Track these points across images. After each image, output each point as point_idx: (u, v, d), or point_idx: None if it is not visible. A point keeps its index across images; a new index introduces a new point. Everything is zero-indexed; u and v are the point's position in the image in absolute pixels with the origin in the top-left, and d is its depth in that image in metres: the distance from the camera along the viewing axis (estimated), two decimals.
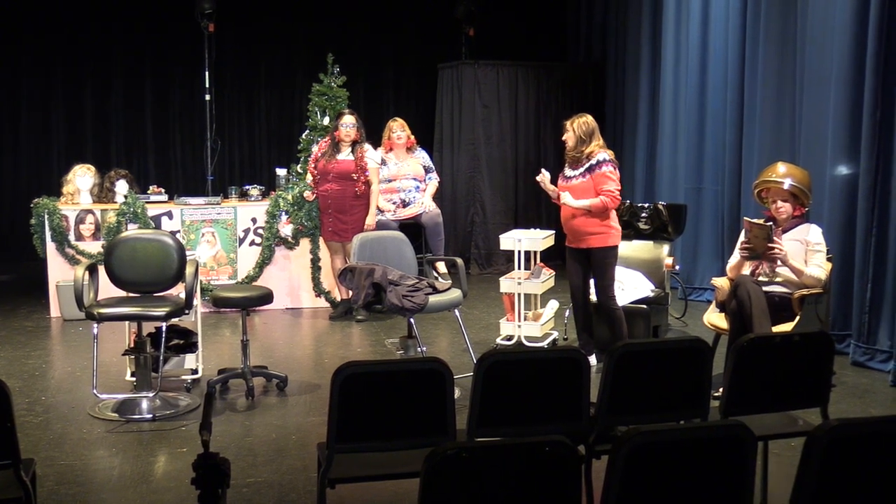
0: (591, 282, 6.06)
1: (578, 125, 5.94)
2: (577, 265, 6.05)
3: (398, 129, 8.17)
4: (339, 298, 7.96)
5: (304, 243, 8.11)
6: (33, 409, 5.32)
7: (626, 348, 3.40)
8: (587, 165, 5.88)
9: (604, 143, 5.99)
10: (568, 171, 6.02)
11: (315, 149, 7.99)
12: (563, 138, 5.99)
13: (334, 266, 7.86)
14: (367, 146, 7.79)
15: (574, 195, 5.90)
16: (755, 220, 5.42)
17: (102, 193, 8.01)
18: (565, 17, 11.65)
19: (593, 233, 5.90)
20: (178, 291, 5.58)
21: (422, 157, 8.37)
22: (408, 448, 3.21)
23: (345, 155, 7.65)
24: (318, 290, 8.15)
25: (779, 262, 5.33)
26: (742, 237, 5.50)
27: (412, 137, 8.26)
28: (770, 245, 5.25)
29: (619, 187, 5.92)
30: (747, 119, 7.67)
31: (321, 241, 8.02)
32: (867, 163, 5.98)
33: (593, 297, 6.08)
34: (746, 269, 5.52)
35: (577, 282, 6.09)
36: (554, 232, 7.10)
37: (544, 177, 6.04)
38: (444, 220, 8.45)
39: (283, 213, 8.04)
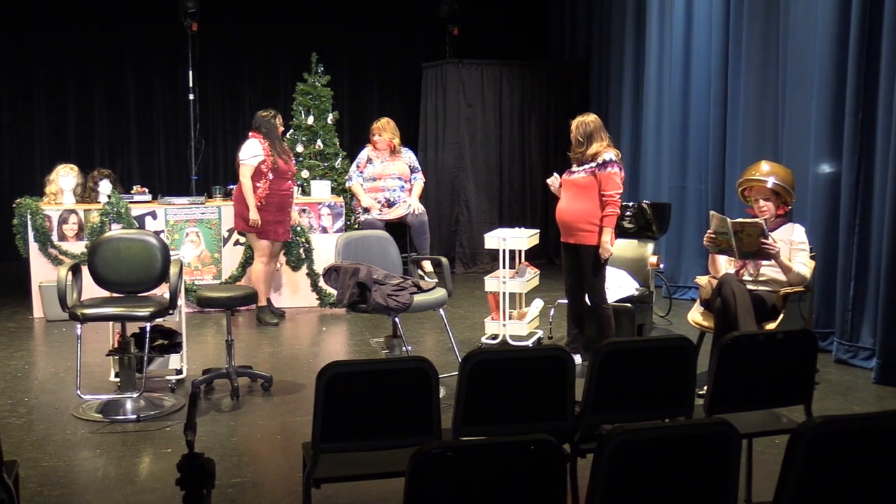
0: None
1: (577, 126, 5.89)
2: (570, 261, 5.99)
3: (377, 133, 8.16)
4: (263, 302, 7.56)
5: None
6: (16, 410, 5.28)
7: (610, 347, 3.40)
8: (594, 164, 5.80)
9: (609, 142, 5.89)
10: (574, 167, 5.94)
11: (262, 151, 7.34)
12: (571, 137, 5.96)
13: (270, 269, 7.60)
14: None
15: (575, 188, 5.85)
16: (745, 220, 5.40)
17: (86, 193, 7.97)
18: (549, 15, 11.68)
19: (584, 230, 5.81)
20: (163, 291, 5.56)
21: (408, 157, 8.37)
22: (393, 447, 3.21)
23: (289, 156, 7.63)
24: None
25: (768, 260, 5.32)
26: (710, 230, 5.48)
27: (395, 142, 8.21)
28: (764, 241, 5.24)
29: (622, 190, 5.86)
30: (730, 118, 7.70)
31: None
32: (849, 161, 6.03)
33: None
34: (731, 268, 5.54)
35: (570, 279, 6.05)
36: (538, 231, 7.11)
37: (555, 180, 6.02)
38: (429, 220, 8.46)
39: None
